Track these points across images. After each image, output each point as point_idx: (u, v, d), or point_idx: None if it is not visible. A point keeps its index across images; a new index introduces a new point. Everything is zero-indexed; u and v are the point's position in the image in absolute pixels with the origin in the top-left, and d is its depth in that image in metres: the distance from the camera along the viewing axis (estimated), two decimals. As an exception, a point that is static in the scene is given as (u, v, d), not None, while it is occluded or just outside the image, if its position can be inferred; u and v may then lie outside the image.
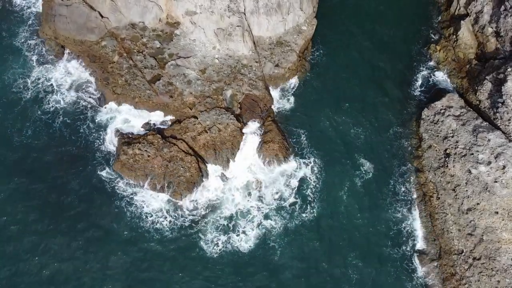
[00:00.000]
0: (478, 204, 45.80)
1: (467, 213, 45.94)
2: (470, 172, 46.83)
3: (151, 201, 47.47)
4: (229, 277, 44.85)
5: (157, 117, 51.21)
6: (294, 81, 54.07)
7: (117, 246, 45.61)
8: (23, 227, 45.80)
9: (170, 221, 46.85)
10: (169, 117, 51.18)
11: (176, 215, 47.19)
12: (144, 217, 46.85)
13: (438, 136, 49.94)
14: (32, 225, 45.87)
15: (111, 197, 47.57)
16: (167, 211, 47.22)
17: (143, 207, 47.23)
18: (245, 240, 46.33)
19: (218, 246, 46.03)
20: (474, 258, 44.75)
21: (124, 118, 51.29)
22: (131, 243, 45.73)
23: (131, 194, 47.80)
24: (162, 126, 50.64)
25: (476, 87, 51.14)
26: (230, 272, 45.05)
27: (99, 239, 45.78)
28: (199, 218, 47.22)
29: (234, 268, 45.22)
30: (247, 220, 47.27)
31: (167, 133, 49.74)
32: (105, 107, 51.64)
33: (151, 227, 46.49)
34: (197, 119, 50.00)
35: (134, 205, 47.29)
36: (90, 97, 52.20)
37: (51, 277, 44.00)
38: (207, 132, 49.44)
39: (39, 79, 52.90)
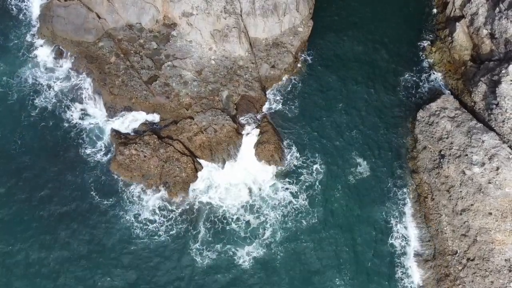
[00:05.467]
0: (472, 205, 45.94)
1: (461, 214, 46.10)
2: (464, 173, 47.01)
3: (145, 207, 47.32)
4: (225, 284, 44.72)
5: (153, 118, 51.37)
6: (290, 82, 54.25)
7: (110, 252, 45.40)
8: (9, 233, 45.64)
9: (163, 226, 46.53)
10: (166, 118, 51.32)
11: (170, 219, 46.85)
12: (139, 223, 46.58)
13: (433, 137, 50.13)
14: (19, 233, 45.63)
15: (104, 201, 47.49)
16: (160, 217, 46.93)
17: (137, 213, 46.99)
18: (241, 245, 46.14)
19: (213, 253, 45.67)
20: (468, 259, 44.87)
21: (121, 119, 51.37)
22: (124, 250, 45.53)
23: (126, 197, 47.72)
24: (158, 127, 50.90)
25: (471, 89, 51.34)
26: (225, 279, 44.87)
27: (92, 249, 45.68)
28: (194, 223, 46.95)
29: (231, 274, 45.06)
30: (244, 224, 47.17)
31: (163, 134, 49.97)
32: (103, 109, 51.88)
33: (144, 233, 46.17)
34: (193, 120, 50.22)
35: (127, 210, 47.10)
36: (87, 98, 52.26)
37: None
38: (203, 133, 49.66)
39: (37, 79, 53.08)
